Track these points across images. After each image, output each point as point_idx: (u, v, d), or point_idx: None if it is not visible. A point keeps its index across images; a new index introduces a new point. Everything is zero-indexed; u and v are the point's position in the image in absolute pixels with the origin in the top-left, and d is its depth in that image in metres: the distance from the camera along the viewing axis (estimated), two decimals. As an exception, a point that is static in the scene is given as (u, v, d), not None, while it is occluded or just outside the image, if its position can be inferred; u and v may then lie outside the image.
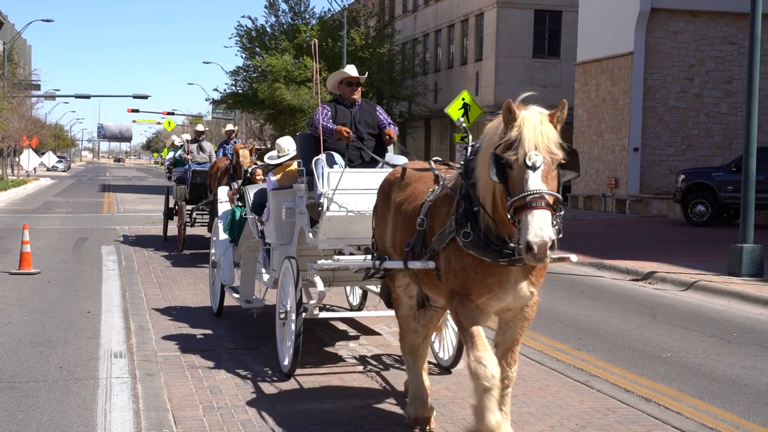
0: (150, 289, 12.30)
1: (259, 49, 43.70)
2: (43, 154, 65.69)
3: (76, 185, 52.79)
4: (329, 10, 45.57)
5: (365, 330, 9.75)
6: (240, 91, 45.05)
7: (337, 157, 7.83)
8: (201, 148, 18.06)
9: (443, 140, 42.99)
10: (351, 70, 8.27)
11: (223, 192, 11.86)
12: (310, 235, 7.68)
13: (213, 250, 10.57)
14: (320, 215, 7.41)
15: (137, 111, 73.29)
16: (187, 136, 19.60)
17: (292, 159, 8.84)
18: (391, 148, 8.26)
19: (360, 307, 10.19)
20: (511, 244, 4.90)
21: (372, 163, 7.98)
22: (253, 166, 12.19)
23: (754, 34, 13.44)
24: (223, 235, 10.26)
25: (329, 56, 40.94)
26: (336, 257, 7.37)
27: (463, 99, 27.97)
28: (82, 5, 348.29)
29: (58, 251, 16.81)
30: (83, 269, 14.33)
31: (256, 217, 9.00)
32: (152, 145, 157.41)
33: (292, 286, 7.52)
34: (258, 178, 11.21)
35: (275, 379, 7.50)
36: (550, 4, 37.49)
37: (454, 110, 27.50)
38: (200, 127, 19.00)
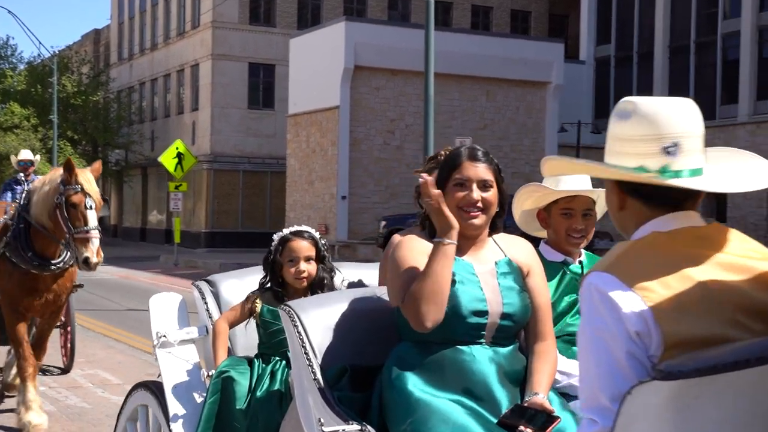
0: None
1: (-41, 93, 41.47)
2: None
3: None
4: (39, 55, 44.11)
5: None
6: (-64, 138, 42.35)
7: None
8: None
9: (161, 188, 42.78)
10: None
11: (158, 308, 4.06)
12: None
13: None
14: None
15: None
16: None
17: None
18: None
19: None
20: None
21: None
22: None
23: (427, 95, 15.07)
24: None
25: (38, 103, 39.87)
26: None
27: (177, 148, 28.33)
28: None
29: None
30: None
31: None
32: None
33: None
34: (300, 273, 3.89)
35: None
36: (263, 57, 38.76)
37: (167, 159, 27.80)
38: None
